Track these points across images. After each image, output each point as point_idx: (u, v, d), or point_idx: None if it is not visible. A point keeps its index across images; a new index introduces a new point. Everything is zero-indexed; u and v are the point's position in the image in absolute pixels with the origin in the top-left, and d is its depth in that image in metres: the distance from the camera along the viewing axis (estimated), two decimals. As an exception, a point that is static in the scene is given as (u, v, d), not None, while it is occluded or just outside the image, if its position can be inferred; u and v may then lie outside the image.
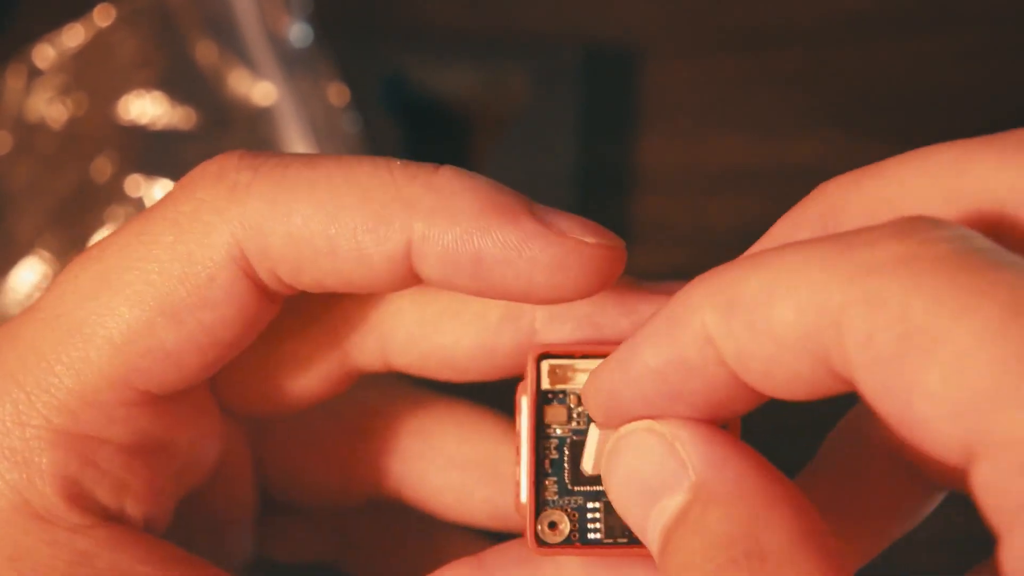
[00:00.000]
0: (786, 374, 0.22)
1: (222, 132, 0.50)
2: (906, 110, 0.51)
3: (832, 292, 0.21)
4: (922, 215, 0.22)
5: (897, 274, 0.20)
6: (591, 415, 0.26)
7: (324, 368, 0.31)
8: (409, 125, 0.51)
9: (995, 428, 0.19)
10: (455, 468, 0.32)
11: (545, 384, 0.28)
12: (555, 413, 0.28)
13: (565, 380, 0.28)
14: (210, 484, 0.32)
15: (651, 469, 0.24)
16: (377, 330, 0.30)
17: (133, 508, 0.28)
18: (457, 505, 0.33)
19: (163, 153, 0.50)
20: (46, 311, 0.27)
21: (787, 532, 0.23)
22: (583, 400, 0.26)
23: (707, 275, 0.23)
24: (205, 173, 0.27)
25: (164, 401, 0.28)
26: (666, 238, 0.49)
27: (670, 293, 0.27)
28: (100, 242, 0.28)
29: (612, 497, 0.26)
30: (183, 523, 0.32)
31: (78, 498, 0.27)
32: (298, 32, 0.51)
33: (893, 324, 0.20)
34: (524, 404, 0.28)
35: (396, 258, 0.26)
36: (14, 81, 0.51)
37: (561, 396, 0.28)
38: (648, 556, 0.26)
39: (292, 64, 0.50)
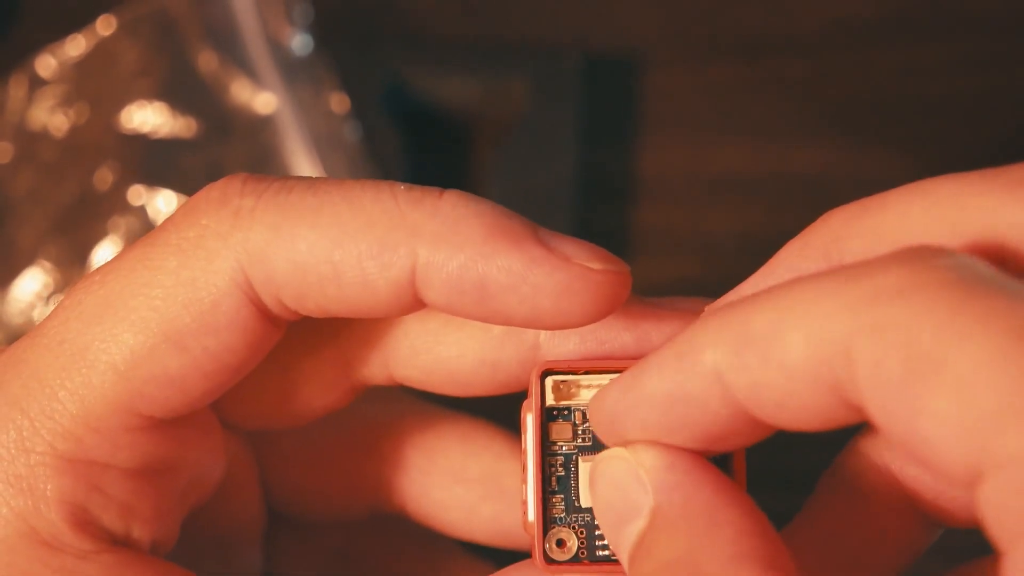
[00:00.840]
0: (799, 405, 0.23)
1: (223, 141, 0.50)
2: (907, 118, 0.51)
3: (841, 322, 0.21)
4: (926, 244, 0.22)
5: (903, 301, 0.21)
6: (595, 433, 0.26)
7: (328, 380, 0.31)
8: (410, 133, 0.51)
9: (1000, 447, 0.20)
10: (459, 484, 0.32)
11: (550, 401, 0.27)
12: (560, 430, 0.27)
13: (569, 396, 0.27)
14: (217, 501, 0.32)
15: (619, 495, 0.25)
16: (381, 343, 0.30)
17: (140, 532, 0.28)
18: (462, 521, 0.32)
19: (165, 162, 0.50)
20: (49, 336, 0.27)
21: (726, 555, 0.23)
22: (589, 418, 0.26)
23: (717, 312, 0.23)
24: (208, 198, 0.27)
25: (168, 424, 0.28)
26: (667, 245, 0.50)
27: (674, 309, 0.28)
28: (103, 267, 0.28)
29: (597, 521, 0.26)
30: (191, 542, 0.32)
31: (84, 524, 0.27)
32: (299, 41, 0.51)
33: (900, 349, 0.21)
34: (529, 421, 0.27)
35: (401, 284, 0.26)
36: (16, 90, 0.51)
37: (566, 413, 0.27)
38: None
39: (293, 73, 0.50)
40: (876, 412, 0.21)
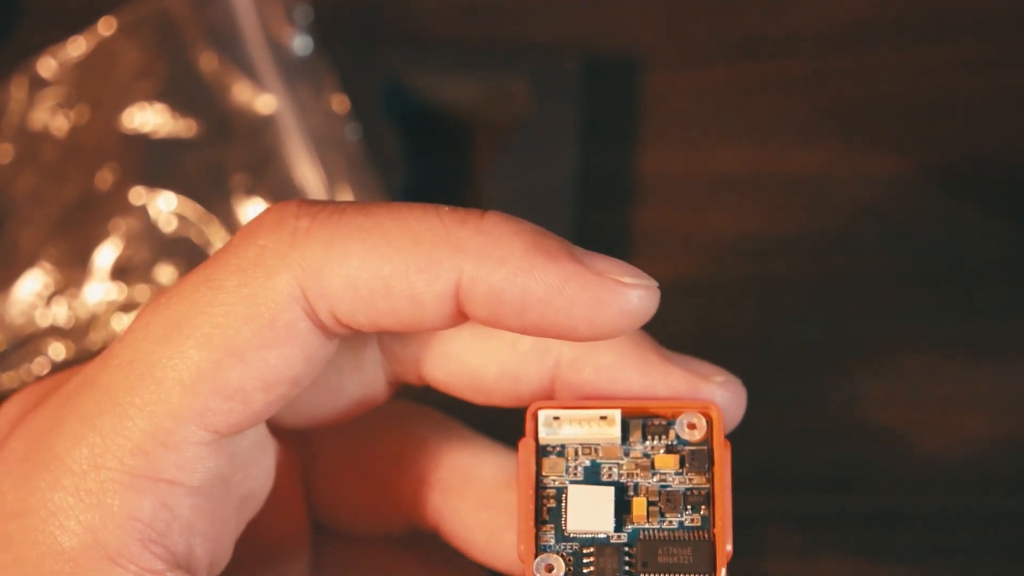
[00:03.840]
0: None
1: (224, 142, 0.50)
2: (907, 118, 0.51)
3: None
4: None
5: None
6: None
7: (368, 378, 0.32)
8: (410, 134, 0.51)
9: None
10: (487, 509, 0.33)
11: (543, 437, 0.30)
12: (552, 465, 0.30)
13: (561, 434, 0.30)
14: (264, 515, 0.32)
15: None
16: (417, 346, 0.32)
17: (200, 551, 0.29)
18: (487, 547, 0.34)
19: (166, 163, 0.50)
20: (120, 357, 0.28)
21: None
22: None
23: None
24: (266, 221, 0.28)
25: (228, 441, 0.29)
26: (667, 246, 0.50)
27: (684, 367, 0.31)
28: (168, 289, 0.29)
29: None
30: (241, 558, 0.33)
31: (150, 542, 0.28)
32: (299, 42, 0.51)
33: None
34: (523, 457, 0.29)
35: (446, 297, 0.28)
36: (17, 91, 0.51)
37: (559, 450, 0.30)
38: None
39: (293, 74, 0.50)
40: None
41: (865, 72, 0.52)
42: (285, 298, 0.28)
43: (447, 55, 0.52)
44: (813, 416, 0.47)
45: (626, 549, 0.29)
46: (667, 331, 0.48)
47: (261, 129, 0.50)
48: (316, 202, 0.29)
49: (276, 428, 0.32)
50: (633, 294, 0.28)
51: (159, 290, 0.29)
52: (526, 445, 0.29)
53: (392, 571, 0.36)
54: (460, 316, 0.28)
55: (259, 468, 0.31)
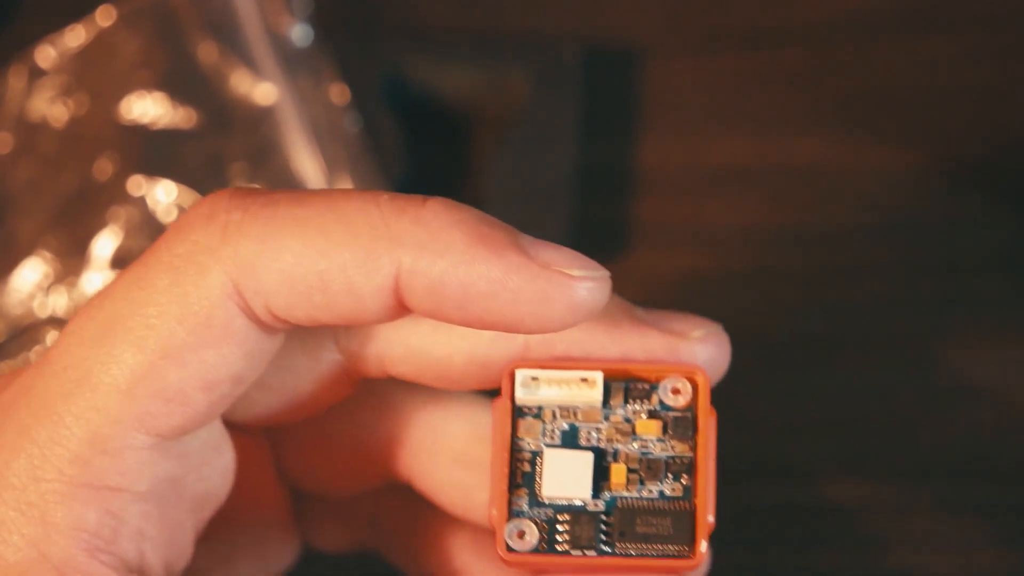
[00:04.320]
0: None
1: (223, 132, 0.50)
2: (907, 110, 0.51)
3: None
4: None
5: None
6: None
7: (326, 377, 0.31)
8: (409, 124, 0.51)
9: None
10: (460, 466, 0.33)
11: (520, 398, 0.29)
12: (528, 427, 0.29)
13: (539, 395, 0.29)
14: (236, 497, 0.32)
15: None
16: (376, 342, 0.31)
17: (152, 555, 0.29)
18: (461, 503, 0.33)
19: (164, 153, 0.50)
20: (55, 364, 0.28)
21: None
22: None
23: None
24: (197, 215, 0.28)
25: (175, 443, 0.28)
26: (667, 237, 0.50)
27: (662, 328, 0.30)
28: (100, 291, 0.28)
29: None
30: (222, 541, 0.33)
31: (97, 551, 0.27)
32: (299, 32, 0.51)
33: None
34: (498, 418, 0.28)
35: (385, 291, 0.27)
36: (16, 81, 0.51)
37: (535, 411, 0.29)
38: (610, 569, 0.28)
39: (293, 64, 0.50)
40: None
41: (866, 63, 0.52)
42: (218, 295, 0.27)
43: (447, 46, 0.52)
44: (813, 408, 0.47)
45: (603, 517, 0.28)
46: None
47: (260, 119, 0.50)
48: (250, 192, 0.28)
49: (235, 425, 0.32)
50: (581, 287, 0.27)
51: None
52: (501, 406, 0.29)
53: (376, 518, 0.36)
54: (402, 309, 0.28)
55: (213, 468, 0.30)
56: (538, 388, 0.29)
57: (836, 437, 0.46)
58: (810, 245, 0.49)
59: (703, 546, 0.27)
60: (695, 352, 0.30)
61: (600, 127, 0.51)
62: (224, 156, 0.50)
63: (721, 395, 0.47)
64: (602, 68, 0.52)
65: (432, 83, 0.52)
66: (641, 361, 0.29)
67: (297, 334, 0.30)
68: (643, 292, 0.48)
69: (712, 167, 0.50)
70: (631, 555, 0.28)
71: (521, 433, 0.28)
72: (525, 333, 0.28)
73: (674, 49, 0.52)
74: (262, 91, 0.50)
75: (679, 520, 0.28)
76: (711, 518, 0.28)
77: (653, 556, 0.28)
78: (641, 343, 0.29)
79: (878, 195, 0.49)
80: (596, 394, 0.29)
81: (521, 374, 0.29)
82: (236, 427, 0.32)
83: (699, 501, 0.28)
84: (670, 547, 0.28)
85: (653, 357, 0.29)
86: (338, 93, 0.50)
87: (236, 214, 0.27)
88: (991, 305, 0.47)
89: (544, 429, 0.29)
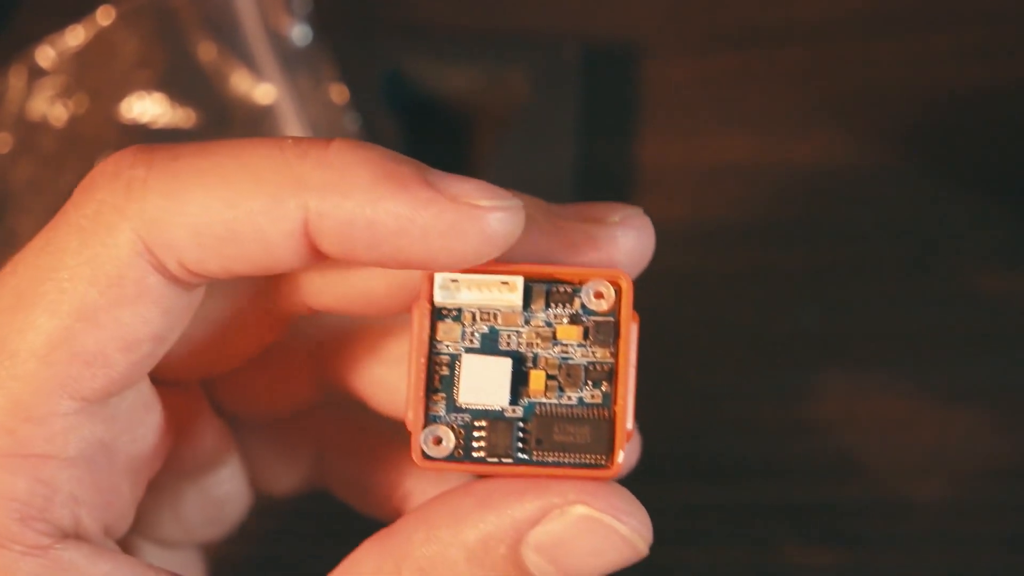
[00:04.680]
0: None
1: (223, 131, 0.50)
2: (907, 108, 0.51)
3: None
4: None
5: None
6: None
7: (250, 322, 0.31)
8: (409, 123, 0.51)
9: None
10: (381, 363, 0.33)
11: (439, 300, 0.28)
12: (448, 330, 0.28)
13: (458, 298, 0.28)
14: (176, 447, 0.32)
15: None
16: (295, 278, 0.30)
17: (89, 520, 0.28)
18: (388, 402, 0.33)
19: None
20: None
21: None
22: None
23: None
24: (103, 173, 0.27)
25: (103, 406, 0.28)
26: (666, 235, 0.49)
27: (576, 216, 0.29)
28: (13, 259, 0.28)
29: None
30: (168, 491, 0.33)
31: (30, 520, 0.27)
32: (298, 31, 0.51)
33: None
34: (417, 320, 0.28)
35: (295, 237, 0.27)
36: (16, 81, 0.51)
37: (455, 313, 0.28)
38: (527, 478, 0.27)
39: (292, 63, 0.50)
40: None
41: (864, 61, 0.52)
42: (128, 253, 0.27)
43: (446, 44, 0.52)
44: (812, 406, 0.47)
45: (520, 424, 0.27)
46: (665, 320, 0.48)
47: (260, 119, 0.50)
48: (154, 147, 0.27)
49: (168, 381, 0.31)
50: (492, 217, 0.26)
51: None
52: (420, 308, 0.28)
53: (322, 453, 0.36)
54: (317, 254, 0.27)
55: (145, 428, 0.30)
56: (458, 290, 0.28)
57: (835, 436, 0.46)
58: (809, 244, 0.49)
59: (620, 456, 0.27)
60: (615, 237, 0.29)
61: (599, 125, 0.51)
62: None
63: (721, 394, 0.47)
64: (602, 67, 0.52)
65: (431, 82, 0.52)
66: (565, 265, 0.28)
67: (217, 285, 0.30)
68: (642, 291, 0.48)
69: (711, 165, 0.50)
70: (548, 463, 0.27)
71: (440, 336, 0.28)
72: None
73: (673, 48, 0.52)
74: (261, 90, 0.50)
75: (597, 429, 0.27)
76: (630, 426, 0.27)
77: (570, 465, 0.27)
78: (561, 239, 0.28)
79: (876, 193, 0.49)
80: (516, 298, 0.28)
81: (440, 276, 0.28)
82: (169, 383, 0.31)
83: (618, 409, 0.27)
84: (587, 456, 0.27)
85: (575, 250, 0.28)
86: (337, 92, 0.50)
87: (140, 170, 0.27)
88: (990, 304, 0.47)
89: (463, 332, 0.28)
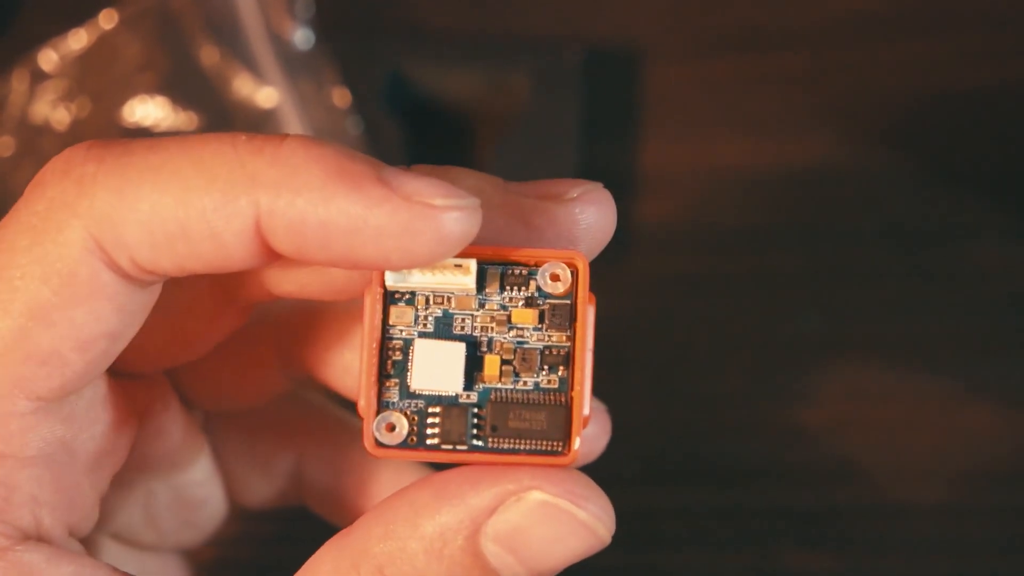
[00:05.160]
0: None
1: (225, 135, 0.50)
2: (908, 112, 0.51)
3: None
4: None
5: None
6: None
7: (211, 313, 0.31)
8: (411, 127, 0.51)
9: None
10: (345, 347, 0.32)
11: (391, 284, 0.27)
12: (400, 314, 0.27)
13: (411, 281, 0.27)
14: (146, 440, 0.32)
15: None
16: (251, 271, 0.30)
17: (50, 520, 0.28)
18: (344, 380, 0.33)
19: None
20: None
21: None
22: None
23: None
24: (53, 169, 0.27)
25: (60, 404, 0.28)
26: (668, 239, 0.50)
27: (533, 193, 0.28)
28: None
29: None
30: (138, 487, 0.32)
31: None
32: (300, 35, 0.51)
33: None
34: (368, 304, 0.27)
35: (247, 235, 0.26)
36: (18, 84, 0.51)
37: (408, 297, 0.27)
38: (484, 467, 0.27)
39: (295, 67, 0.50)
40: None
41: (865, 65, 0.52)
42: (79, 251, 0.26)
43: (448, 48, 0.52)
44: (813, 410, 0.47)
45: (475, 411, 0.27)
46: (666, 323, 0.48)
47: (262, 122, 0.50)
48: (106, 143, 0.27)
49: (131, 374, 0.31)
50: (447, 217, 0.25)
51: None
52: (372, 291, 0.27)
53: (298, 468, 0.36)
54: (271, 253, 0.26)
55: (106, 422, 0.30)
56: (410, 273, 0.27)
57: (836, 439, 0.46)
58: (809, 247, 0.49)
59: (576, 443, 0.26)
60: (573, 213, 0.28)
61: (601, 128, 0.51)
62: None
63: (721, 397, 0.47)
64: (603, 70, 0.52)
65: (433, 85, 0.52)
66: (520, 248, 0.27)
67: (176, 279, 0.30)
68: (644, 293, 0.48)
69: (713, 169, 0.50)
70: (503, 450, 0.27)
71: (393, 320, 0.27)
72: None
73: (674, 51, 0.52)
74: (264, 94, 0.50)
75: (553, 414, 0.27)
76: (587, 411, 0.27)
77: (525, 452, 0.27)
78: (521, 218, 0.28)
79: (877, 197, 0.50)
80: (470, 280, 0.27)
81: None
82: (130, 375, 0.31)
83: (575, 394, 0.27)
84: (543, 443, 0.27)
85: (532, 229, 0.28)
86: (339, 96, 0.50)
87: (91, 166, 0.26)
88: (990, 307, 0.48)
89: (416, 316, 0.27)
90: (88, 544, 0.30)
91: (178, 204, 0.26)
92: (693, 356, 0.47)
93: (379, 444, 0.27)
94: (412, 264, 0.26)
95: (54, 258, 0.26)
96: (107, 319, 0.27)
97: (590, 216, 0.28)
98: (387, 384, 0.27)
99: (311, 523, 0.36)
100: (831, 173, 0.50)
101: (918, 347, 0.47)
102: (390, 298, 0.27)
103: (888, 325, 0.47)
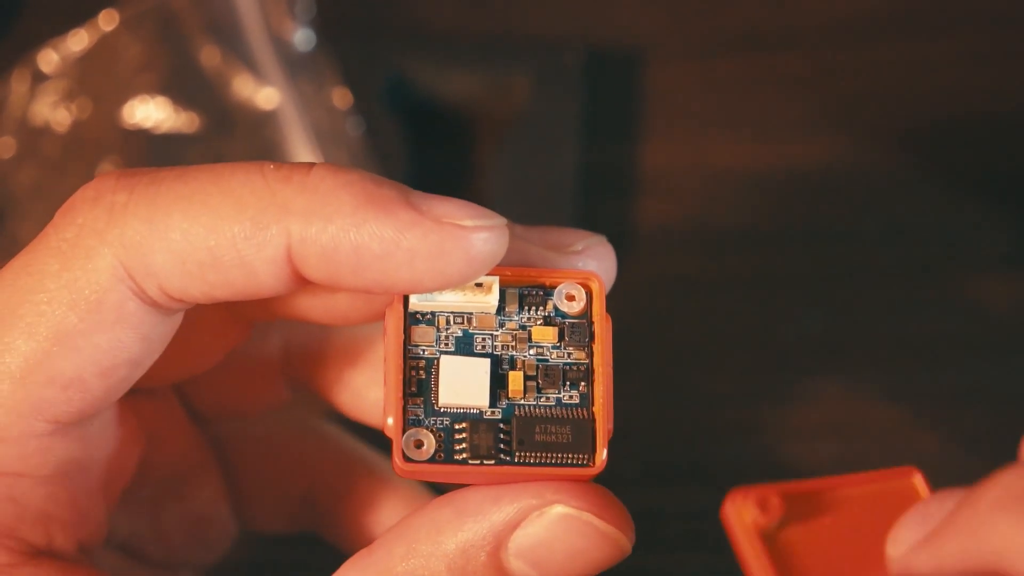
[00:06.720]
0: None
1: (226, 136, 0.50)
2: (909, 113, 0.51)
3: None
4: None
5: None
6: None
7: (218, 329, 0.31)
8: (412, 128, 0.51)
9: None
10: (352, 368, 0.33)
11: (413, 304, 0.28)
12: (422, 333, 0.28)
13: (432, 301, 0.28)
14: (153, 455, 0.32)
15: None
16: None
17: (62, 538, 0.28)
18: (352, 404, 0.33)
19: (167, 157, 0.50)
20: None
21: None
22: None
23: None
24: (84, 198, 0.27)
25: (77, 426, 0.28)
26: (670, 240, 0.50)
27: (538, 242, 0.29)
28: None
29: None
30: (146, 502, 0.32)
31: (1, 537, 0.27)
32: (301, 36, 0.51)
33: None
34: (391, 324, 0.27)
35: (278, 263, 0.26)
36: (19, 85, 0.51)
37: (429, 317, 0.28)
38: (510, 479, 0.27)
39: (295, 68, 0.50)
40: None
41: (867, 66, 0.52)
42: (108, 279, 0.26)
43: (449, 49, 0.52)
44: (814, 410, 0.47)
45: (501, 426, 0.27)
46: (667, 324, 0.48)
47: (263, 123, 0.50)
48: (136, 172, 0.27)
49: (139, 390, 0.31)
50: (476, 238, 0.26)
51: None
52: (394, 312, 0.27)
53: (310, 494, 0.36)
54: (301, 280, 0.27)
55: (119, 442, 0.30)
56: (431, 294, 0.27)
57: (837, 439, 0.46)
58: (811, 247, 0.49)
59: (603, 454, 0.27)
60: (576, 267, 0.29)
61: (602, 130, 0.51)
62: (226, 160, 0.49)
63: (723, 398, 0.47)
64: (604, 71, 0.52)
65: (434, 86, 0.52)
66: (538, 268, 0.28)
67: None
68: (645, 294, 0.48)
69: (715, 170, 0.51)
70: (530, 464, 0.27)
71: (415, 340, 0.27)
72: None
73: (676, 52, 0.52)
74: (265, 95, 0.50)
75: (579, 428, 0.27)
76: (610, 425, 0.27)
77: (553, 465, 0.27)
78: (523, 263, 0.28)
79: (879, 197, 0.50)
80: (491, 299, 0.28)
81: None
82: (140, 392, 0.31)
83: (597, 408, 0.27)
84: (570, 456, 0.27)
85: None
86: (340, 97, 0.50)
87: (122, 195, 0.27)
88: (992, 309, 0.48)
89: (438, 336, 0.28)
90: (97, 558, 0.31)
91: (209, 233, 0.26)
92: (693, 356, 0.47)
93: (407, 459, 0.27)
94: (444, 285, 0.26)
95: (82, 284, 0.26)
96: (130, 347, 0.27)
97: (592, 269, 0.29)
98: (412, 402, 0.27)
99: (324, 550, 0.36)
100: (831, 173, 0.50)
101: (919, 348, 0.47)
102: (411, 318, 0.28)
103: (889, 326, 0.47)
